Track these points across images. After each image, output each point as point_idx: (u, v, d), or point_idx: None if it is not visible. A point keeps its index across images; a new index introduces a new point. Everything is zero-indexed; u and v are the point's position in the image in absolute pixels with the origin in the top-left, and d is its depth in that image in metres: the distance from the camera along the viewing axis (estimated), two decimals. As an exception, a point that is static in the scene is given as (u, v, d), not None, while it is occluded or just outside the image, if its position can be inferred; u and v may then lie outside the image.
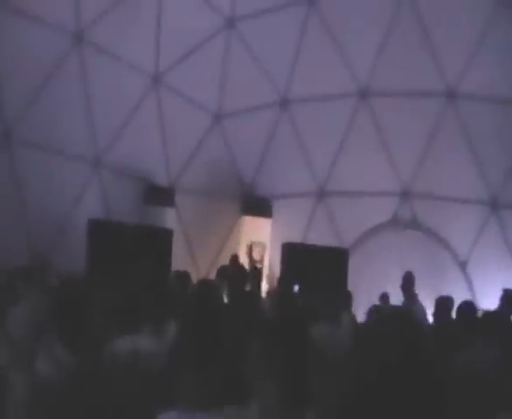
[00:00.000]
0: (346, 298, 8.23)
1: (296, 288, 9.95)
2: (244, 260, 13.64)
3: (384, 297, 10.66)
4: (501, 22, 12.11)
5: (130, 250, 11.19)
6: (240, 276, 8.20)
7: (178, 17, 12.68)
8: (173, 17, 12.67)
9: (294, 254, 12.79)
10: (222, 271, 8.46)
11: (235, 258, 11.26)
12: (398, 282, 9.29)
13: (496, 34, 12.12)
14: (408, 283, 9.13)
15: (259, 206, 14.89)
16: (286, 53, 13.52)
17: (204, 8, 13.12)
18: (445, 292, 8.33)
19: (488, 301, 9.91)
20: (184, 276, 8.27)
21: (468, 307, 6.02)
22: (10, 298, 5.93)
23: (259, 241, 14.72)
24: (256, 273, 10.24)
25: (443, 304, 7.59)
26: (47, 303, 4.11)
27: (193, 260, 13.47)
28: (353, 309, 8.81)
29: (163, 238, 12.36)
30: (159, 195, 13.57)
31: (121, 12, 12.01)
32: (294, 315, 4.02)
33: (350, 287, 11.43)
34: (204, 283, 6.57)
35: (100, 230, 11.57)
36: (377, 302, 10.32)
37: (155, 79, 13.34)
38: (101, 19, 11.92)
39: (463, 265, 13.31)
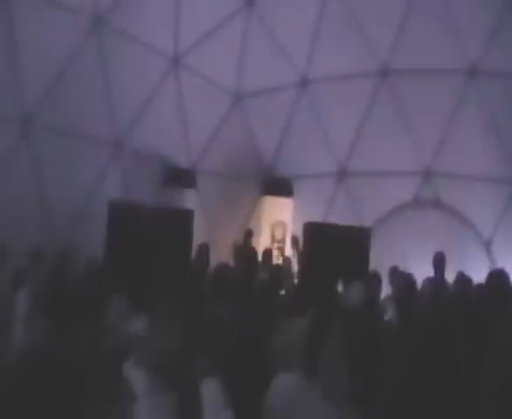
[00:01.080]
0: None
1: None
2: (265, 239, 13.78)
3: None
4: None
5: (151, 232, 11.24)
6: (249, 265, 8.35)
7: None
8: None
9: (315, 233, 12.72)
10: (238, 251, 8.68)
11: (248, 234, 11.35)
12: (420, 262, 9.21)
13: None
14: (440, 262, 8.98)
15: (279, 186, 14.88)
16: (305, 32, 13.39)
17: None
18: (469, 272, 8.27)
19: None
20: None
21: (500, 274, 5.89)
22: (15, 285, 5.96)
23: (281, 221, 14.73)
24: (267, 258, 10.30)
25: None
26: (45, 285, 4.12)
27: (214, 241, 13.48)
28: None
29: (185, 219, 12.38)
30: (179, 176, 13.59)
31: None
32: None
33: (372, 267, 11.41)
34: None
35: (121, 212, 11.60)
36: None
37: (175, 61, 13.32)
38: (120, 2, 11.90)
39: (487, 245, 13.13)
